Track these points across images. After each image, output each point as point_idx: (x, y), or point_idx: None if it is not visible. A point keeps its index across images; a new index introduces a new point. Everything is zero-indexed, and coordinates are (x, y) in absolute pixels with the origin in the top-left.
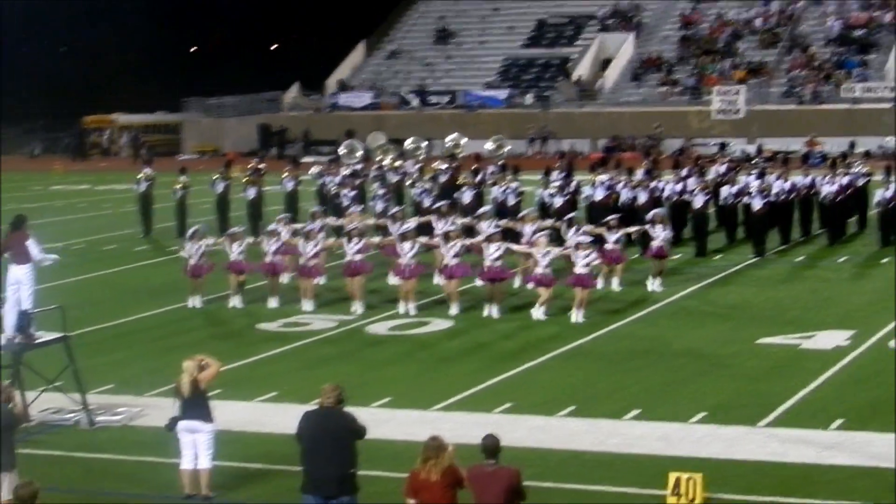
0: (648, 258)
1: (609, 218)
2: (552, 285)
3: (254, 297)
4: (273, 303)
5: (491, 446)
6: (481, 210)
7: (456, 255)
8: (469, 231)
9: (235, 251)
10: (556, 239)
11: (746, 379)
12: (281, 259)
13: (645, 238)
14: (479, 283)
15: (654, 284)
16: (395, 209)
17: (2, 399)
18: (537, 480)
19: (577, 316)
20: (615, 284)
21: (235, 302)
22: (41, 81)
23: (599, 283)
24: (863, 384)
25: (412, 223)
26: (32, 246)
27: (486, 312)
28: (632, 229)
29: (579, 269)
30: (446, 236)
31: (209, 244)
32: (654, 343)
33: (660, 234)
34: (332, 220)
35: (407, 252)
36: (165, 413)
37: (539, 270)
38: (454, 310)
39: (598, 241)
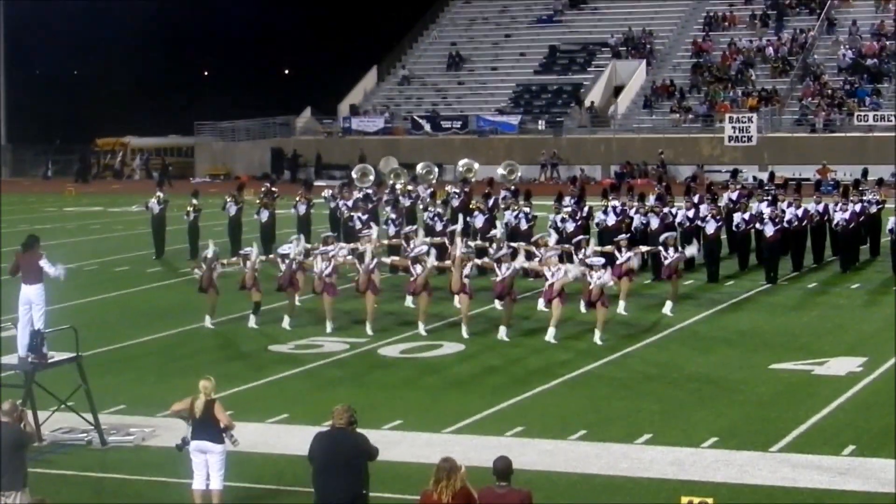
0: (663, 279)
1: (619, 237)
2: (564, 303)
3: (267, 319)
4: (287, 323)
5: (502, 468)
6: (492, 233)
7: (466, 277)
8: (481, 254)
9: (249, 269)
10: (568, 261)
11: (758, 404)
12: (298, 276)
13: (657, 262)
14: (497, 305)
15: (667, 308)
16: (409, 228)
17: (13, 419)
18: None
19: (597, 337)
20: (621, 308)
21: (253, 322)
22: (55, 104)
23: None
24: (875, 410)
25: (424, 247)
26: (46, 265)
27: (499, 336)
28: (642, 249)
29: (595, 288)
30: (458, 261)
31: (223, 264)
32: (665, 368)
33: (671, 257)
34: (345, 245)
35: (420, 273)
36: (177, 434)
37: (549, 287)
38: (465, 332)
39: (610, 263)
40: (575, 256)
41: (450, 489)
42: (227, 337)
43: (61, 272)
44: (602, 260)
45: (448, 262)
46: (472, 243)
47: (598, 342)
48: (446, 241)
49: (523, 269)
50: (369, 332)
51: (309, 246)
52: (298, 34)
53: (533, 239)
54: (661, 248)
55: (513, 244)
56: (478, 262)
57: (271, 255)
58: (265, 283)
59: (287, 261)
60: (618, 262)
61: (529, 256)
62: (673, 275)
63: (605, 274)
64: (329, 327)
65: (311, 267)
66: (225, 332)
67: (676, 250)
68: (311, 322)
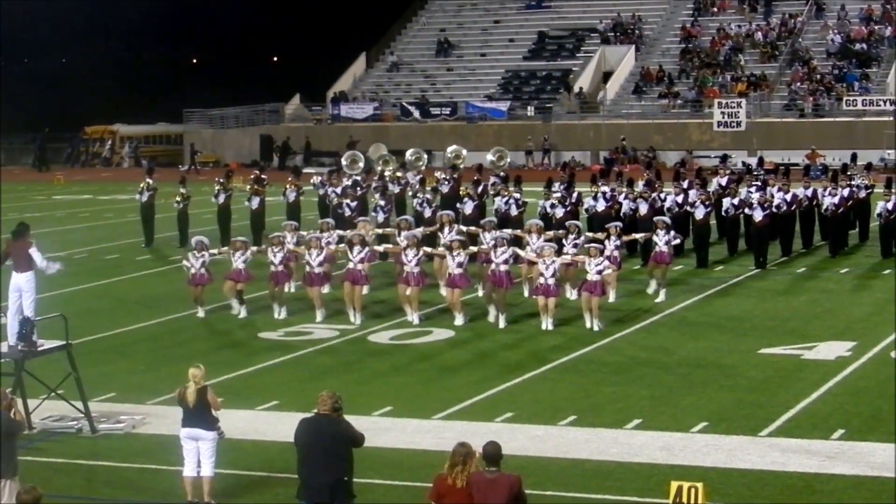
0: (652, 266)
1: (611, 224)
2: (556, 296)
3: (256, 307)
4: (281, 313)
5: (492, 453)
6: (485, 220)
7: (459, 266)
8: (473, 240)
9: (238, 260)
10: (558, 249)
11: (748, 389)
12: (284, 269)
13: (646, 248)
14: (480, 292)
15: (660, 295)
16: (401, 218)
17: (3, 407)
18: (538, 489)
19: (594, 324)
20: (611, 297)
21: (240, 311)
22: (43, 93)
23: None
24: (864, 395)
25: (417, 231)
26: (35, 254)
27: (491, 318)
28: (637, 235)
29: (592, 276)
30: (450, 247)
31: (212, 254)
32: (655, 353)
33: (661, 241)
34: (341, 232)
35: (411, 260)
36: (167, 421)
37: (542, 281)
38: (460, 320)
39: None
40: (565, 241)
41: (464, 474)
42: (217, 325)
43: (54, 268)
44: (600, 246)
45: (440, 249)
46: (464, 228)
47: (597, 328)
48: (437, 230)
49: (516, 257)
50: (356, 321)
51: (305, 234)
52: (287, 21)
53: (526, 226)
54: (652, 233)
55: (506, 230)
56: (472, 249)
57: (262, 248)
58: (258, 271)
59: (276, 250)
60: (608, 250)
61: (521, 246)
62: (663, 261)
63: (604, 261)
64: (319, 316)
65: (302, 255)
66: (215, 321)
67: (666, 234)
68: (301, 309)
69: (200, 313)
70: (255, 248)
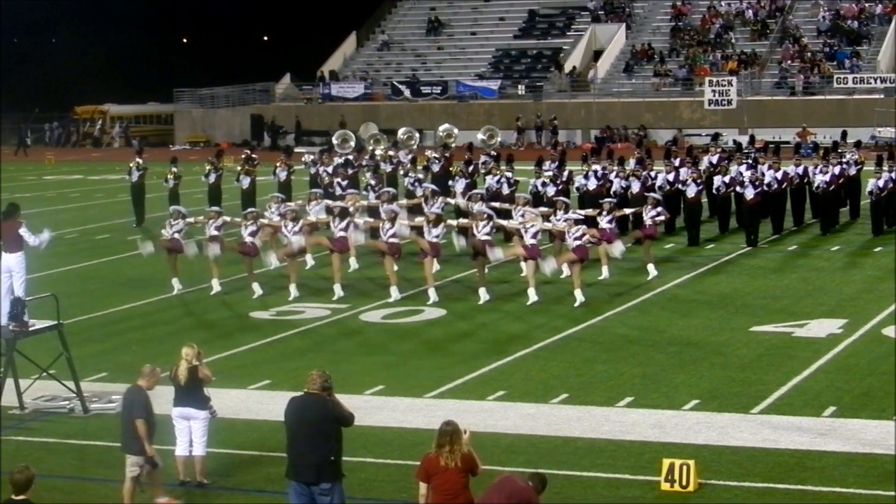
0: (640, 236)
1: (604, 200)
2: (538, 256)
3: (244, 285)
4: (256, 289)
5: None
6: (473, 192)
7: (437, 237)
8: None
9: (211, 228)
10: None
11: (739, 367)
12: (253, 242)
13: (637, 226)
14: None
15: (650, 271)
16: (384, 190)
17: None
18: (530, 467)
19: (577, 296)
20: (605, 272)
21: (216, 286)
22: (33, 72)
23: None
24: (855, 372)
25: (395, 206)
26: (26, 234)
27: (482, 300)
28: (627, 211)
29: (572, 243)
30: (428, 220)
31: (188, 222)
32: (646, 331)
33: (648, 216)
34: (329, 202)
35: (387, 231)
36: (159, 401)
37: (526, 242)
38: (432, 295)
39: (588, 223)
40: (553, 217)
41: (453, 453)
42: (208, 304)
43: (45, 239)
44: (580, 216)
45: (418, 220)
46: (451, 200)
47: (582, 299)
48: (422, 203)
49: (499, 226)
50: (338, 292)
51: (292, 204)
52: (278, 0)
53: (516, 198)
54: (643, 209)
55: (494, 203)
56: (453, 223)
57: (235, 219)
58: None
59: (249, 223)
60: (601, 225)
61: (507, 216)
62: (649, 235)
63: (582, 228)
64: (293, 292)
65: (279, 227)
66: (205, 300)
67: (655, 209)
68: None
69: (176, 285)
70: (227, 219)
